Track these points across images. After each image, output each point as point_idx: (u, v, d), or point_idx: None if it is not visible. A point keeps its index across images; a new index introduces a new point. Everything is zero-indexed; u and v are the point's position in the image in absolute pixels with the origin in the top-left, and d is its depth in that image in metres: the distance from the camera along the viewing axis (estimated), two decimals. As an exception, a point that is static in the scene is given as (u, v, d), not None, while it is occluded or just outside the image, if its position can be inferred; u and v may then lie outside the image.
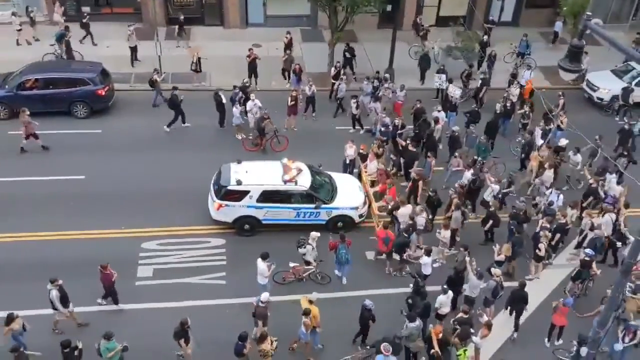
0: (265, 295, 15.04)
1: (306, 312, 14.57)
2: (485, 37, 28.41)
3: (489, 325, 14.74)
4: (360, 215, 19.20)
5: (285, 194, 18.48)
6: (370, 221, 19.42)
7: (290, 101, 23.49)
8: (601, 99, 26.54)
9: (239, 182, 18.20)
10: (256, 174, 18.61)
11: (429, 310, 15.38)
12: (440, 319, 15.63)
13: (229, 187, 18.24)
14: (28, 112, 21.31)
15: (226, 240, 18.60)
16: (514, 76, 25.96)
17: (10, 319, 14.22)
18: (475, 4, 30.42)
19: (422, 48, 29.47)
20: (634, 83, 26.26)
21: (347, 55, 26.98)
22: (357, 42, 30.39)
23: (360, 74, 26.83)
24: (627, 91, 25.50)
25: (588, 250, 16.90)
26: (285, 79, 26.61)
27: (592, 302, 16.63)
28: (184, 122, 23.42)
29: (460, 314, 15.09)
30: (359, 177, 20.66)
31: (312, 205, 18.52)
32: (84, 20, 28.03)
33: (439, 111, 22.91)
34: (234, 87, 23.64)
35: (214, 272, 17.52)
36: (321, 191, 18.93)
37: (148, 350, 14.90)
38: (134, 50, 26.78)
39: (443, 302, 15.57)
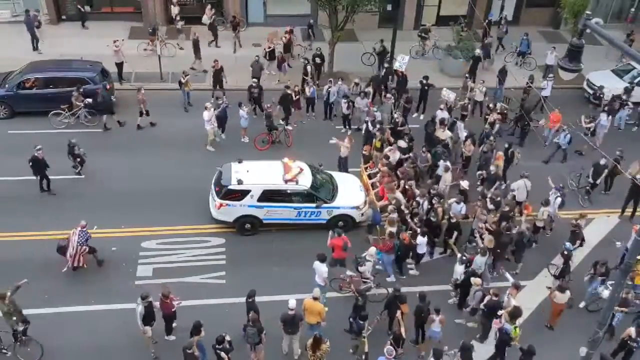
0: (292, 302, 14.39)
1: (437, 310, 14.81)
2: (478, 51, 27.57)
3: (517, 287, 15.94)
4: (362, 215, 19.18)
5: (286, 193, 18.48)
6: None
7: (295, 96, 23.45)
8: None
9: (239, 182, 18.20)
10: (257, 174, 18.60)
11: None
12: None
13: (230, 187, 18.24)
14: (143, 90, 22.82)
15: (226, 240, 18.58)
16: (501, 72, 25.71)
17: (198, 329, 13.83)
18: (475, 3, 30.39)
19: (423, 47, 29.51)
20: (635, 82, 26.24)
21: (318, 60, 26.47)
22: (358, 41, 30.41)
23: (359, 73, 26.81)
24: (627, 91, 25.44)
25: (567, 245, 17.33)
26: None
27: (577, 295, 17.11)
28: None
29: (491, 297, 15.28)
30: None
31: (313, 205, 18.53)
32: (211, 22, 28.57)
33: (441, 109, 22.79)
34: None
35: (214, 272, 17.52)
36: (322, 190, 18.93)
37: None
38: (120, 66, 25.59)
39: (458, 271, 16.43)
